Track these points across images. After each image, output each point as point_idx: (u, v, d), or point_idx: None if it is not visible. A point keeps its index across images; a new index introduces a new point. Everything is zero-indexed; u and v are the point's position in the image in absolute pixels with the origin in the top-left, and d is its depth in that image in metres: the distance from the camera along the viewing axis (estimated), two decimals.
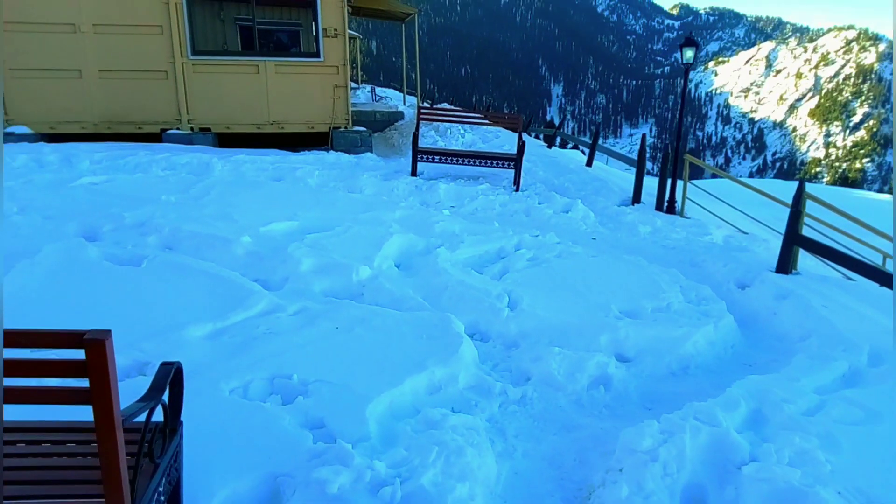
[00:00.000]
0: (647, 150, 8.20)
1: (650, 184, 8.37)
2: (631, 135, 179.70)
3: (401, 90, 23.94)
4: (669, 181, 7.80)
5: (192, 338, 3.34)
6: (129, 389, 2.83)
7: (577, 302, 4.26)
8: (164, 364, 1.96)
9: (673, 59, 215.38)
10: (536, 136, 16.82)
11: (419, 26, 16.10)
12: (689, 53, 8.84)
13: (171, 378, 1.93)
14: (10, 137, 9.61)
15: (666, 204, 7.78)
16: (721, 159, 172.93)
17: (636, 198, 7.79)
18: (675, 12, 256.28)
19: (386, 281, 4.44)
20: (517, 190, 7.95)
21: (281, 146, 10.77)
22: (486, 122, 8.60)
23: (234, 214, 5.29)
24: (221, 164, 7.70)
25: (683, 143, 9.02)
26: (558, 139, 16.22)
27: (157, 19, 10.14)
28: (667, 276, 4.92)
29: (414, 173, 8.22)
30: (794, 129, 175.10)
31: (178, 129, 10.49)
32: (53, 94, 10.08)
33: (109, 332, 1.41)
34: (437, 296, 4.37)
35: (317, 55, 10.75)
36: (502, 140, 10.73)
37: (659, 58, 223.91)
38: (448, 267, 4.78)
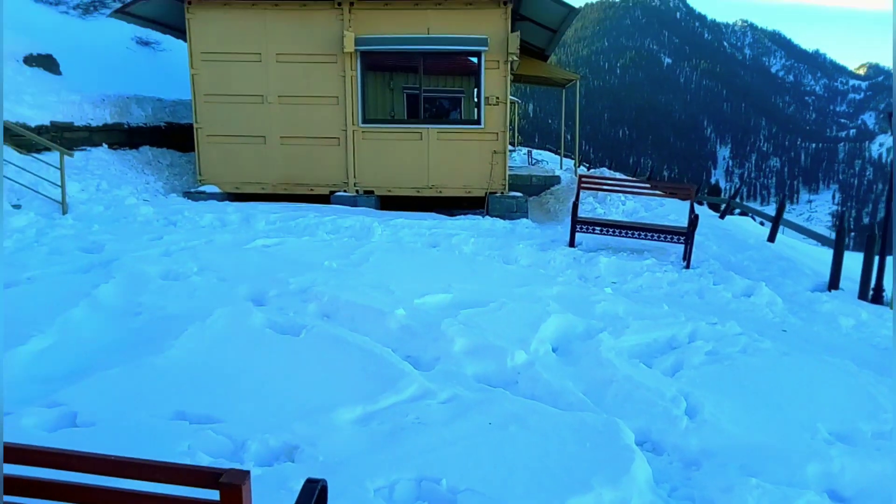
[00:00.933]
0: (831, 218, 7.14)
1: (849, 264, 7.23)
2: (810, 201, 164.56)
3: (557, 153, 23.83)
4: (877, 263, 6.67)
5: (342, 421, 3.19)
6: (277, 478, 2.71)
7: (772, 416, 3.58)
8: (308, 482, 1.75)
9: (860, 122, 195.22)
10: (699, 202, 15.68)
11: (579, 89, 15.93)
12: None
13: (315, 499, 1.72)
14: (202, 195, 10.68)
15: (871, 292, 6.64)
16: None
17: (833, 283, 6.74)
18: (861, 72, 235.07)
19: (543, 369, 4.06)
20: (687, 267, 7.24)
21: (438, 209, 10.94)
22: (657, 192, 8.04)
23: (390, 284, 5.25)
24: (381, 229, 7.87)
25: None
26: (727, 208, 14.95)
27: (334, 91, 10.92)
28: (885, 388, 4.04)
29: (572, 244, 7.83)
30: None
31: (345, 191, 11.06)
32: (240, 158, 11.13)
33: (248, 473, 1.20)
34: (600, 392, 3.90)
35: (477, 122, 10.90)
36: (667, 209, 10.02)
37: (843, 119, 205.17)
38: (612, 357, 4.29)
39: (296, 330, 4.19)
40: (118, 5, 15.37)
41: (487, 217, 10.08)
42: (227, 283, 5.02)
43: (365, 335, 4.28)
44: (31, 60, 12.28)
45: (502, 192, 10.92)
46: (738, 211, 17.55)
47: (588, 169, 21.01)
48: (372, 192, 11.12)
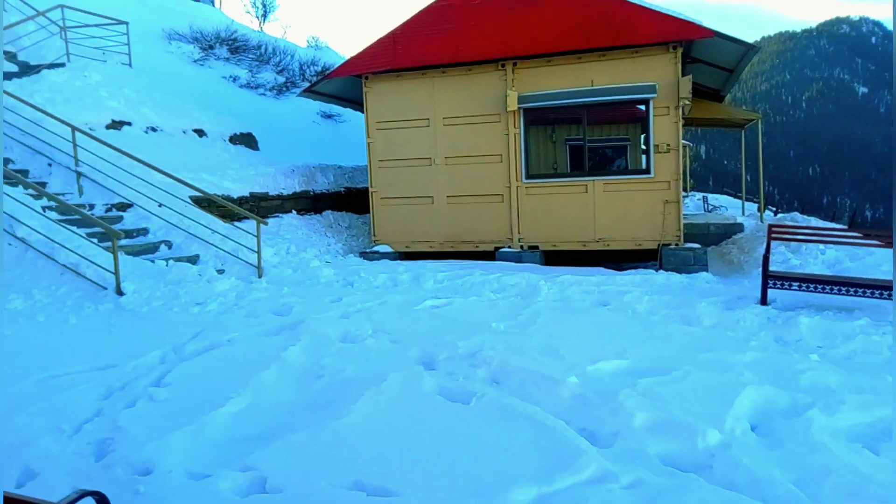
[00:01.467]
0: None
1: None
2: None
3: (737, 196, 22.11)
4: None
5: (516, 502, 3.01)
6: None
7: None
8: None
9: None
10: None
11: (760, 127, 14.70)
12: None
13: None
14: (376, 255, 11.31)
15: None
16: None
17: None
18: None
19: (742, 452, 3.56)
20: None
21: (606, 263, 10.52)
22: (866, 242, 7.01)
23: (559, 348, 5.03)
24: (547, 287, 7.69)
25: None
26: None
27: (497, 149, 11.13)
28: None
29: (764, 301, 7.03)
30: None
31: (509, 247, 11.08)
32: (410, 218, 11.66)
33: None
34: (815, 483, 3.32)
35: (647, 171, 10.43)
36: (878, 258, 8.70)
37: None
38: (827, 439, 3.67)
39: (466, 397, 4.13)
40: (306, 85, 17.24)
41: (661, 271, 9.46)
42: (399, 345, 5.13)
43: (536, 404, 4.09)
44: (235, 139, 14.08)
45: (677, 244, 10.24)
46: None
47: (775, 213, 19.16)
48: (536, 247, 11.02)
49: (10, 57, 12.97)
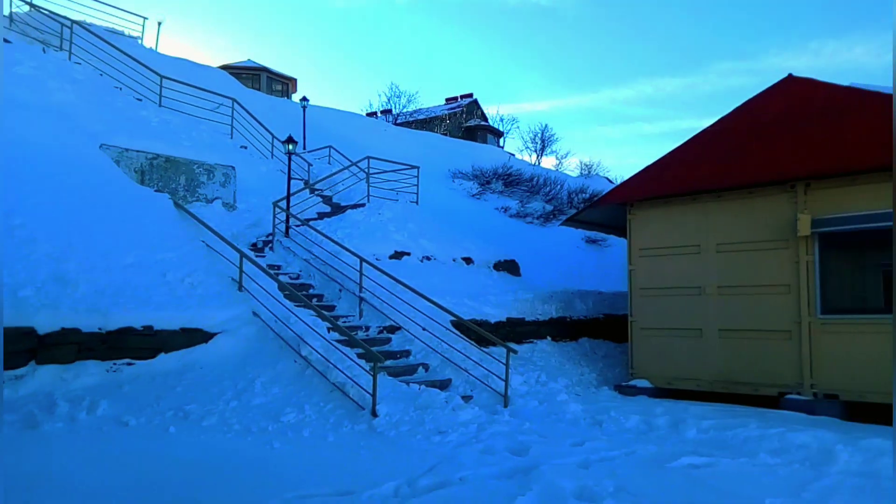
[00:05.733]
0: None
1: None
2: None
3: None
4: None
5: None
6: None
7: None
8: None
9: None
10: None
11: None
12: None
13: None
14: (632, 390, 10.43)
15: None
16: None
17: None
18: None
19: None
20: None
21: None
22: None
23: None
24: (847, 454, 6.07)
25: None
26: None
27: (783, 279, 9.70)
28: None
29: None
30: None
31: (798, 393, 9.28)
32: (674, 352, 10.61)
33: None
34: None
35: None
36: None
37: None
38: None
39: None
40: (573, 212, 17.63)
41: None
42: None
43: None
44: (498, 266, 14.76)
45: None
46: None
47: None
48: (836, 396, 9.02)
49: (327, 200, 15.79)
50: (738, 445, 6.65)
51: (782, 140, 9.77)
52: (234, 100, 17.89)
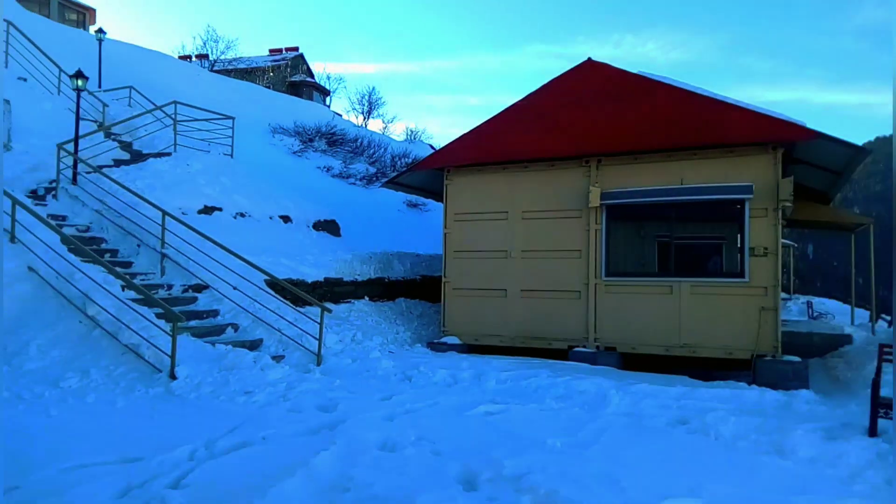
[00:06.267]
0: None
1: None
2: None
3: (845, 302, 20.19)
4: None
5: None
6: None
7: None
8: None
9: None
10: None
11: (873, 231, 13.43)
12: None
13: None
14: (443, 347, 10.95)
15: None
16: None
17: None
18: None
19: None
20: None
21: (690, 371, 9.60)
22: None
23: (621, 477, 4.38)
24: (619, 398, 6.98)
25: None
26: None
27: (576, 244, 10.71)
28: None
29: (873, 432, 6.00)
30: None
31: (584, 346, 10.42)
32: (482, 311, 11.30)
33: None
34: None
35: (741, 275, 9.61)
36: None
37: None
38: None
39: None
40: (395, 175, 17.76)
41: (754, 386, 8.45)
42: (441, 458, 4.67)
43: None
44: (318, 226, 14.49)
45: (773, 356, 9.21)
46: None
47: (890, 324, 17.21)
48: (614, 348, 10.28)
49: (126, 146, 14.21)
50: (530, 393, 7.32)
51: (580, 118, 10.66)
52: (9, 23, 15.27)
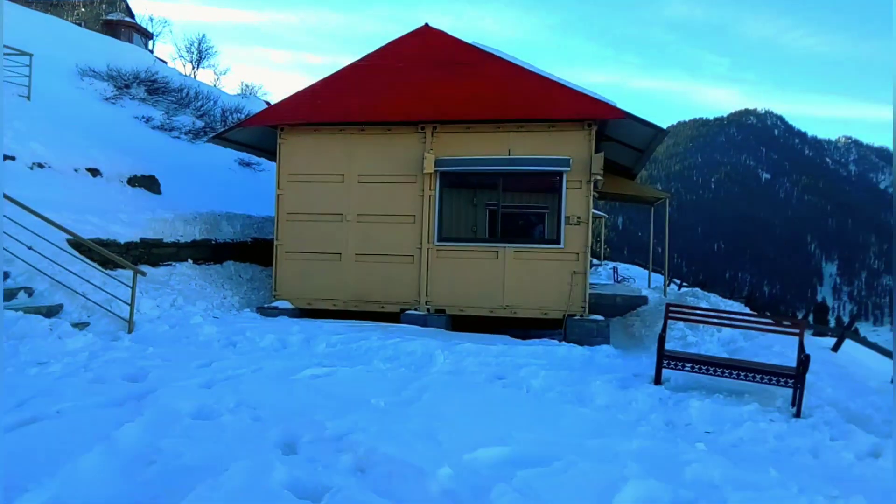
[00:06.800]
0: None
1: None
2: None
3: (645, 267, 22.79)
4: None
5: None
6: None
7: None
8: None
9: None
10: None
11: (670, 205, 15.21)
12: None
13: None
14: (274, 311, 10.64)
15: None
16: None
17: None
18: None
19: None
20: (797, 415, 6.12)
21: (512, 330, 10.30)
22: (759, 327, 7.06)
23: (439, 432, 4.61)
24: (444, 357, 7.31)
25: None
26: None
27: (411, 210, 10.88)
28: None
29: (658, 381, 6.91)
30: None
31: (415, 309, 10.71)
32: (315, 275, 11.13)
33: None
34: None
35: (557, 242, 10.42)
36: (770, 339, 8.87)
37: None
38: None
39: (318, 493, 3.61)
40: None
41: (564, 343, 9.30)
42: (261, 423, 4.57)
43: (398, 502, 3.63)
44: (134, 181, 13.23)
45: (581, 315, 10.18)
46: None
47: (679, 287, 19.76)
48: (443, 311, 10.70)
49: None
50: (359, 356, 7.39)
51: (416, 84, 10.76)
52: None
